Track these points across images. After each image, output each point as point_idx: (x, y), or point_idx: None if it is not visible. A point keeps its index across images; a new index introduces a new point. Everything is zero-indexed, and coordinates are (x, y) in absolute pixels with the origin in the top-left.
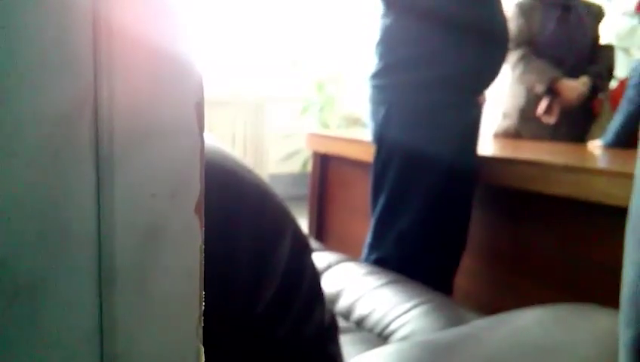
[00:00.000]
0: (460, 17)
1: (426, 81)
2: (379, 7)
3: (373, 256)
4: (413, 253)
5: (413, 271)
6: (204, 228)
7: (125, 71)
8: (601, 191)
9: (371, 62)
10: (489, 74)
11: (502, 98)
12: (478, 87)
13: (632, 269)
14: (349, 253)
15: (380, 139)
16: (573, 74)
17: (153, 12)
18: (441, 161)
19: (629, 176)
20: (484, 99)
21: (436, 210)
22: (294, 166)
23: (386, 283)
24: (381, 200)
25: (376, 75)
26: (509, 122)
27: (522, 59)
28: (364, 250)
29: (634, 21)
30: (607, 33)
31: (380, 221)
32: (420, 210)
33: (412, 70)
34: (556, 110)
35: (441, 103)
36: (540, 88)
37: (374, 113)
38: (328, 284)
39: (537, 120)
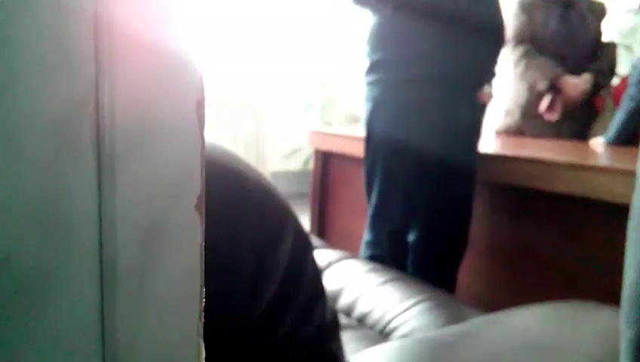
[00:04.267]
0: (449, 13)
1: (413, 78)
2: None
3: (368, 253)
4: (405, 252)
5: (405, 268)
6: (205, 226)
7: (126, 70)
8: (603, 189)
9: (364, 59)
10: (482, 71)
11: (504, 95)
12: (470, 84)
13: (634, 269)
14: (351, 250)
15: (368, 135)
16: (576, 71)
17: (154, 12)
18: (429, 159)
19: (631, 174)
20: (489, 97)
21: (427, 209)
22: (296, 164)
23: (388, 281)
24: (372, 198)
25: (367, 72)
26: (511, 119)
27: (524, 56)
28: (362, 248)
29: (637, 18)
30: (609, 30)
31: (372, 219)
32: (408, 208)
33: (397, 67)
34: (558, 107)
35: (428, 100)
36: (542, 85)
37: (365, 110)
38: (330, 281)
39: (539, 117)
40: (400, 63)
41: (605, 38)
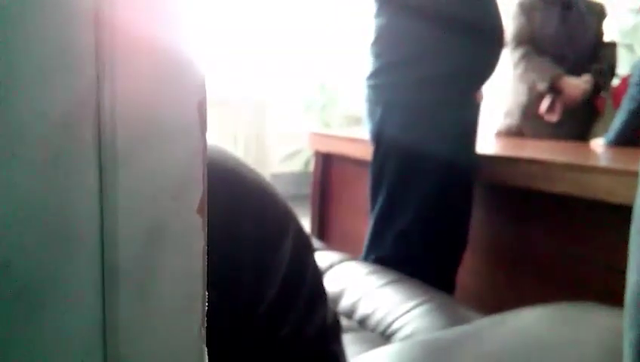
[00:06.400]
0: (453, 15)
1: (422, 80)
2: (373, 7)
3: (372, 256)
4: (411, 253)
5: (411, 270)
6: (206, 229)
7: (128, 71)
8: (603, 189)
9: (367, 62)
10: (484, 71)
11: (504, 96)
12: (473, 85)
13: (637, 270)
14: (352, 252)
15: (377, 138)
16: (575, 72)
17: (156, 12)
18: (440, 159)
19: (632, 174)
20: (481, 97)
21: (435, 209)
22: (296, 165)
23: (389, 283)
24: (379, 200)
25: (372, 75)
26: (512, 120)
27: (524, 57)
28: (363, 250)
29: (638, 18)
30: (610, 30)
31: (378, 220)
32: (419, 209)
33: (407, 69)
34: (559, 108)
35: (437, 102)
36: (542, 86)
37: (371, 113)
38: (331, 283)
39: (540, 118)
40: (411, 65)
41: (606, 37)
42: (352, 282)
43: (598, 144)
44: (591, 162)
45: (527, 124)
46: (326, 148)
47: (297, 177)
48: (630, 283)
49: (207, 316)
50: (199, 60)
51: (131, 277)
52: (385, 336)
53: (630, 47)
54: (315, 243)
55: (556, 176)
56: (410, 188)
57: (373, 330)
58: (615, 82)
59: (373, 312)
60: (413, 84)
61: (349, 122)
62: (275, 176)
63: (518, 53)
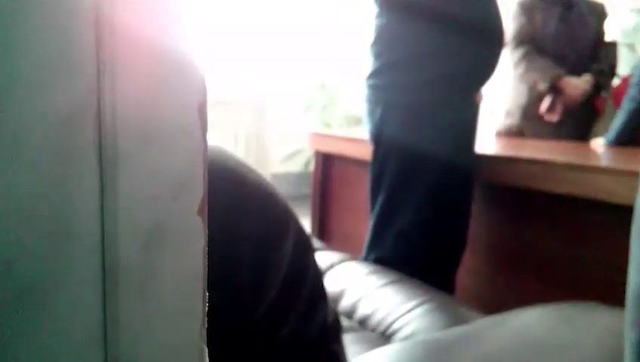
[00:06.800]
0: (453, 15)
1: (422, 81)
2: (373, 8)
3: (372, 256)
4: (411, 253)
5: (411, 270)
6: (207, 229)
7: (128, 72)
8: (604, 189)
9: (367, 62)
10: (484, 72)
11: (504, 96)
12: (473, 85)
13: (638, 270)
14: (352, 252)
15: (377, 139)
16: (576, 72)
17: (156, 12)
18: (440, 160)
19: (632, 174)
20: (480, 97)
21: (435, 209)
22: (296, 165)
23: (389, 283)
24: (380, 200)
25: (372, 75)
26: (512, 120)
27: (524, 57)
28: (364, 250)
29: (639, 18)
30: (612, 29)
31: (378, 221)
32: (418, 209)
33: (408, 69)
34: (559, 108)
35: (438, 102)
36: (542, 86)
37: (371, 113)
38: (331, 283)
39: (540, 118)
40: (411, 65)
41: (608, 37)
42: (352, 282)
43: (598, 144)
44: (592, 162)
45: (528, 124)
46: (326, 149)
47: (297, 177)
48: (631, 283)
49: (207, 316)
50: (199, 61)
51: (131, 277)
52: (385, 336)
53: (631, 47)
54: (315, 243)
55: (557, 176)
56: (410, 188)
57: (373, 330)
58: (615, 82)
59: (373, 312)
60: (413, 84)
61: (349, 122)
62: (275, 176)
63: (518, 53)
